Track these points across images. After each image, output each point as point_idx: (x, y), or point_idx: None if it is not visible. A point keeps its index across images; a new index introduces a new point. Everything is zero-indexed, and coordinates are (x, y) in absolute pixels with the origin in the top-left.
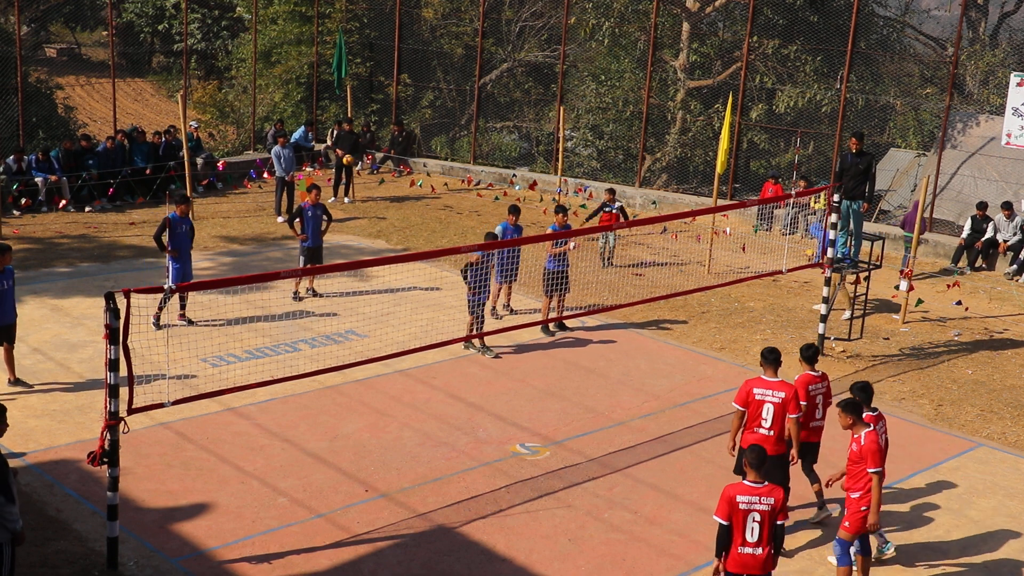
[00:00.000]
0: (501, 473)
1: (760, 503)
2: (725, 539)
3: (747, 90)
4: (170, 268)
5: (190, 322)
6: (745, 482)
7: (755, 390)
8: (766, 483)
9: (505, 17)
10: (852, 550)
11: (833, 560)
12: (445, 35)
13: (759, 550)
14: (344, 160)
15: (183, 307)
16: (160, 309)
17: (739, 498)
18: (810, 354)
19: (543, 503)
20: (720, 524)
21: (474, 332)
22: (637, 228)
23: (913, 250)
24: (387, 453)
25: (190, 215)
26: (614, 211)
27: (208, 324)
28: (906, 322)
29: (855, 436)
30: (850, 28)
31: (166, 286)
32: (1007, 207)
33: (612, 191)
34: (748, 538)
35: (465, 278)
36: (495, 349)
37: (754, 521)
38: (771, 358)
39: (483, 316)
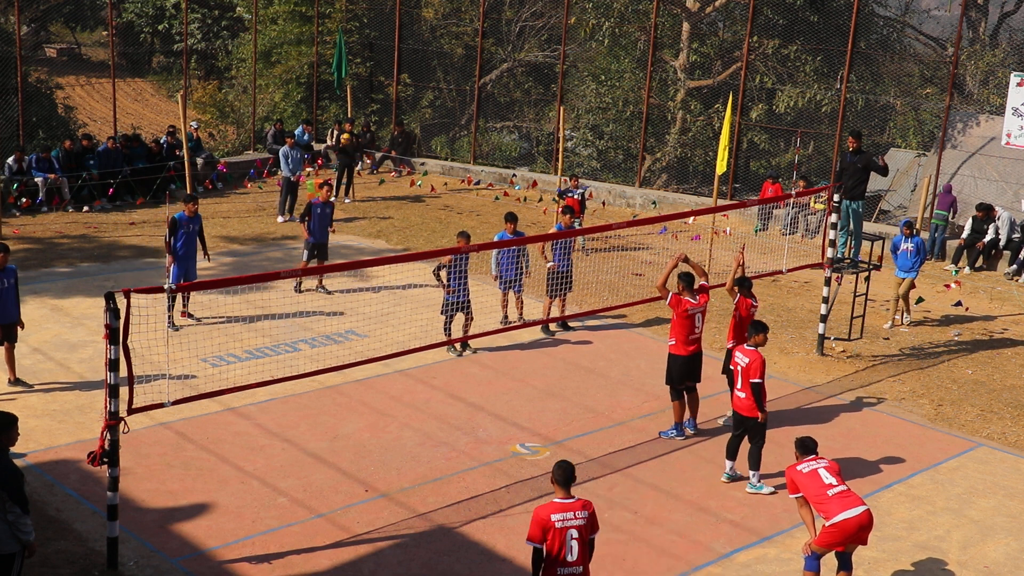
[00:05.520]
0: (501, 473)
1: None
2: None
3: (747, 90)
4: (172, 269)
5: (194, 318)
6: None
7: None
8: None
9: (505, 17)
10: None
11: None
12: (445, 35)
13: None
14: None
15: (185, 304)
16: (169, 310)
17: None
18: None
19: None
20: None
21: (449, 334)
22: (637, 228)
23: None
24: (387, 453)
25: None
26: (576, 196)
27: (208, 322)
28: (909, 323)
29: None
30: (850, 28)
31: (166, 286)
32: (982, 209)
33: (575, 176)
34: None
35: (438, 278)
36: (470, 351)
37: None
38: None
39: (462, 316)
